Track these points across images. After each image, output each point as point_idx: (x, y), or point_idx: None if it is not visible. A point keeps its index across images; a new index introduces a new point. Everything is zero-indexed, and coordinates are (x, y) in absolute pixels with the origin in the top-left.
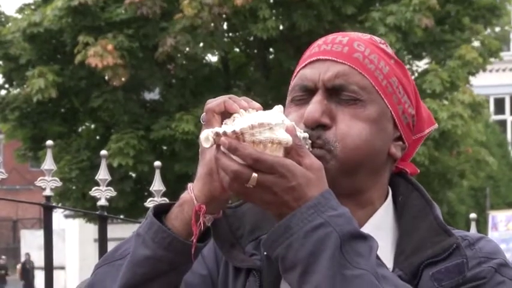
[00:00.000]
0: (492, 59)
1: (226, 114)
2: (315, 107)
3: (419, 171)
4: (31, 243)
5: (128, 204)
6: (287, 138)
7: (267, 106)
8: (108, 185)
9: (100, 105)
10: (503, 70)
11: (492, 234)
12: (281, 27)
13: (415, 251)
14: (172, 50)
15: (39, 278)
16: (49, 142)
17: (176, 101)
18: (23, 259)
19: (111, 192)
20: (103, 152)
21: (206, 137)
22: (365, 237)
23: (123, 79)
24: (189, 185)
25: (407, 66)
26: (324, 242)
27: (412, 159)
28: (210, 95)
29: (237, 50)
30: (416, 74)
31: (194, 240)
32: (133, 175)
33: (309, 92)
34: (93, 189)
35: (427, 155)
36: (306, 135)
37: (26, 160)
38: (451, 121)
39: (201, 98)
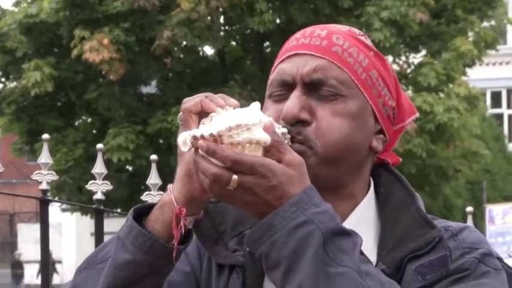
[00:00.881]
0: (488, 52)
1: (203, 113)
2: (293, 103)
3: (400, 160)
4: (27, 237)
5: (125, 197)
6: (265, 138)
7: (263, 100)
8: (104, 179)
9: (96, 99)
10: (500, 63)
11: (489, 228)
12: (278, 21)
13: (397, 244)
14: (169, 43)
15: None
16: (45, 136)
17: (173, 95)
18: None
19: (108, 186)
20: (99, 146)
21: (184, 140)
22: (349, 234)
23: (119, 73)
24: (169, 186)
25: (403, 59)
26: (307, 239)
27: (409, 152)
28: (206, 88)
29: (234, 43)
30: (412, 67)
31: (175, 244)
32: (130, 168)
33: (287, 87)
34: (90, 182)
35: (424, 148)
36: (285, 130)
37: (22, 154)
38: (447, 114)
39: (198, 91)
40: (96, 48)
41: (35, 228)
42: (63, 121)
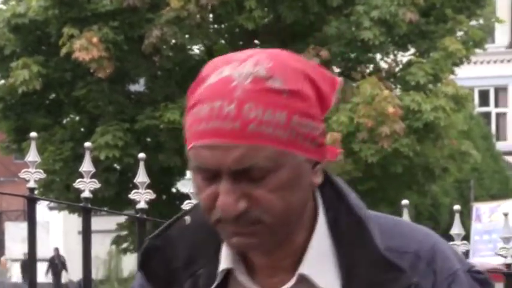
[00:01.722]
0: (477, 51)
1: None
2: (227, 201)
3: (338, 151)
4: (15, 235)
5: (113, 195)
6: None
7: None
8: (92, 177)
9: (85, 96)
10: (488, 62)
11: (476, 226)
12: (266, 19)
13: None
14: (158, 42)
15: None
16: (33, 134)
17: (162, 92)
18: (6, 251)
19: (95, 184)
20: (87, 144)
21: None
22: None
23: (108, 71)
24: None
25: (392, 58)
26: None
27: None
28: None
29: (223, 41)
30: (400, 66)
31: None
32: (118, 167)
33: (214, 173)
34: (77, 181)
35: (411, 147)
36: None
37: (10, 152)
38: (434, 113)
39: (187, 89)
40: (85, 47)
41: (23, 227)
42: (51, 119)
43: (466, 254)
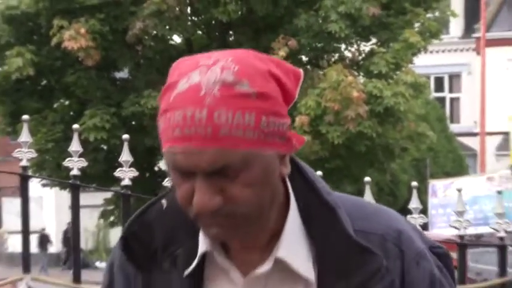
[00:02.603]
0: (433, 41)
1: None
2: (202, 199)
3: (305, 139)
4: (11, 209)
5: (101, 173)
6: None
7: None
8: (81, 156)
9: (74, 82)
10: (443, 51)
11: (432, 201)
12: (240, 12)
13: (341, 275)
14: (140, 33)
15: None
16: (25, 117)
17: (144, 79)
18: (4, 225)
19: (83, 163)
20: (75, 126)
21: None
22: None
23: (95, 59)
24: None
25: (355, 47)
26: None
27: (360, 132)
28: None
29: (200, 32)
30: (363, 55)
31: None
32: (105, 147)
33: (189, 174)
34: (66, 160)
35: (374, 129)
36: None
37: (5, 134)
38: (394, 99)
39: (167, 76)
40: (73, 37)
41: (18, 202)
42: (42, 104)
43: (424, 226)
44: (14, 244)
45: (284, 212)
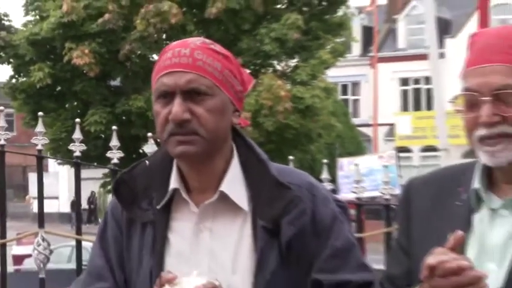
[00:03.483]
0: (340, 58)
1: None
2: (177, 109)
3: (248, 122)
4: (34, 181)
5: (99, 155)
6: None
7: None
8: (83, 142)
9: (80, 89)
10: (347, 66)
11: (339, 173)
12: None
13: (269, 203)
14: (129, 53)
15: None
16: (40, 113)
17: (131, 87)
18: (30, 192)
19: (83, 147)
20: (77, 120)
21: None
22: None
23: (95, 72)
24: None
25: (284, 63)
26: None
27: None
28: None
29: None
30: (290, 68)
31: None
32: (103, 136)
33: (170, 94)
34: (71, 145)
35: (297, 121)
36: (218, 282)
37: (30, 126)
38: (312, 99)
39: (149, 85)
40: (80, 56)
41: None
42: (57, 105)
43: (334, 191)
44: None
45: (229, 163)
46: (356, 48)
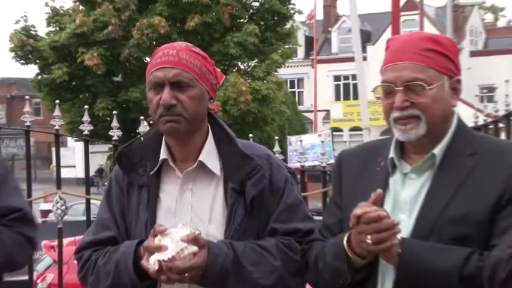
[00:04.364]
0: (288, 59)
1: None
2: (166, 96)
3: (220, 108)
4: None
5: (106, 133)
6: (195, 249)
7: None
8: (90, 123)
9: (91, 83)
10: (294, 66)
11: (289, 147)
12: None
13: (237, 170)
14: (128, 56)
15: None
16: (57, 101)
17: (130, 82)
18: (53, 163)
19: (91, 127)
20: (86, 107)
21: (154, 262)
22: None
23: (102, 70)
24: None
25: (245, 65)
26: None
27: (249, 110)
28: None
29: None
30: (250, 67)
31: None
32: (108, 119)
33: (160, 85)
34: (81, 126)
35: (256, 108)
36: (198, 231)
37: (51, 112)
38: (267, 91)
39: (143, 80)
40: (90, 58)
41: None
42: (73, 96)
43: (284, 161)
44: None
45: (205, 139)
46: (300, 52)
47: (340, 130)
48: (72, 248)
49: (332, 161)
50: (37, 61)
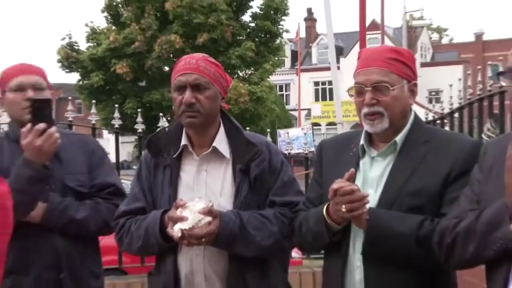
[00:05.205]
0: (278, 68)
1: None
2: (187, 96)
3: (229, 106)
4: None
5: (133, 127)
6: (209, 219)
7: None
8: (121, 119)
9: (122, 88)
10: (282, 74)
11: (279, 139)
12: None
13: (243, 155)
14: (150, 66)
15: None
16: (93, 101)
17: (152, 87)
18: None
19: (120, 121)
20: (116, 105)
21: (177, 230)
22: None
23: (131, 77)
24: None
25: (244, 73)
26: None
27: (246, 109)
28: (169, 85)
29: None
30: (248, 75)
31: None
32: (134, 115)
33: (183, 87)
34: (112, 120)
35: (253, 107)
36: (211, 203)
37: (89, 110)
38: (261, 93)
39: (164, 86)
40: (121, 68)
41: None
42: (108, 97)
43: None
44: None
45: (218, 130)
46: (287, 62)
47: (319, 125)
48: None
49: (313, 149)
50: (79, 70)
